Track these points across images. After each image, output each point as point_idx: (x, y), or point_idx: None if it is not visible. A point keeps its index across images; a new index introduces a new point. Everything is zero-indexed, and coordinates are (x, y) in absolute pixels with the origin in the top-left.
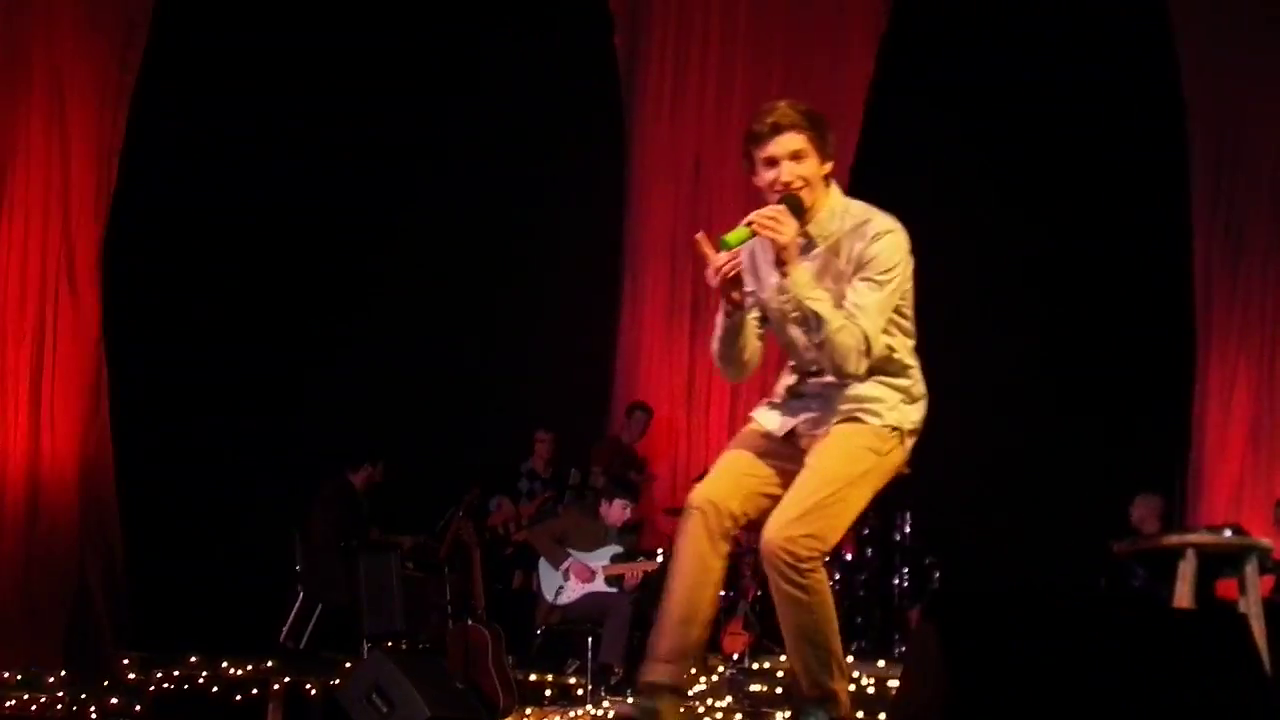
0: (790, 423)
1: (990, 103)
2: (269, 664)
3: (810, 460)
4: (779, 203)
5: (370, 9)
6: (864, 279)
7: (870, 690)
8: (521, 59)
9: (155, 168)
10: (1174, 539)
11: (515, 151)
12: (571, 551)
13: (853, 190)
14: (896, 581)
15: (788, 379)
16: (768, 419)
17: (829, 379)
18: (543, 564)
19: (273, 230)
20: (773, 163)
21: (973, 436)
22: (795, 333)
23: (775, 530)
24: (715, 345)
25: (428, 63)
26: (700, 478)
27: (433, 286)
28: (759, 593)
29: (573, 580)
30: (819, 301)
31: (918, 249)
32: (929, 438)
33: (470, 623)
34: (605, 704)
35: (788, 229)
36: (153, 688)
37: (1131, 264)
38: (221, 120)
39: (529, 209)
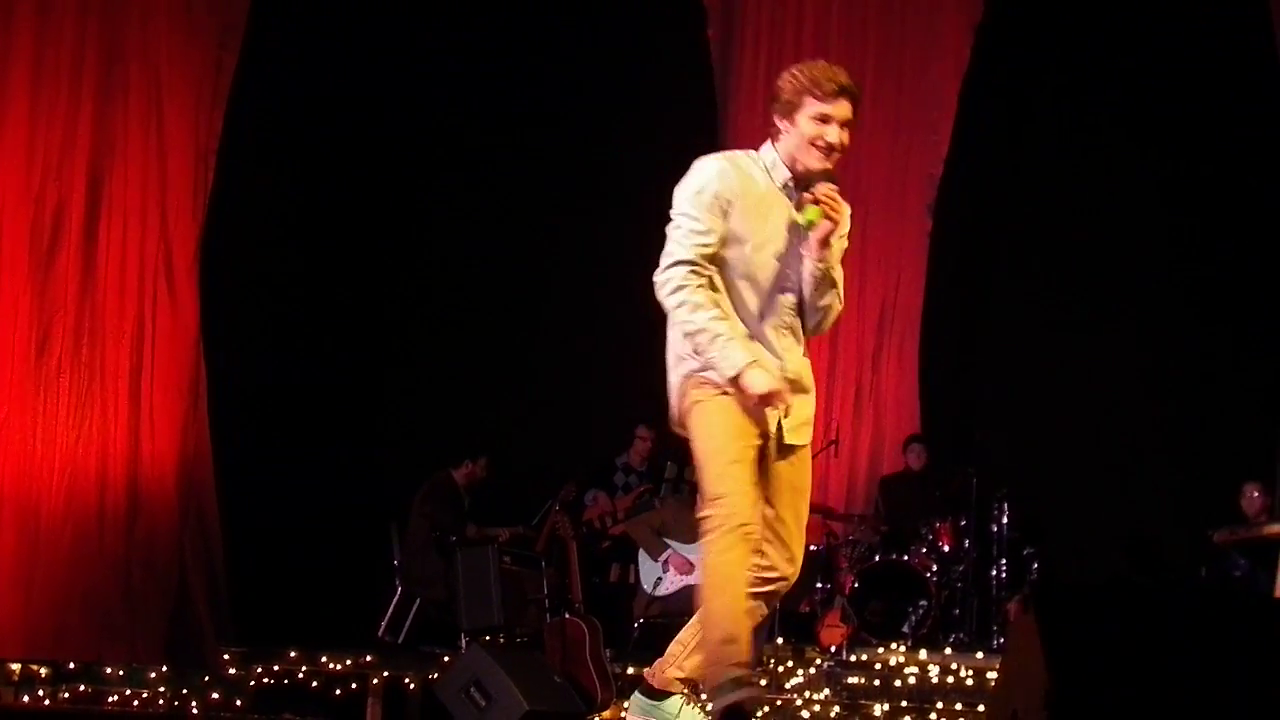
0: (775, 421)
1: (1089, 94)
2: (368, 658)
3: (800, 483)
4: (824, 179)
5: (459, 3)
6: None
7: (969, 682)
8: (615, 52)
9: (253, 168)
10: (1275, 528)
11: (610, 146)
12: (671, 543)
13: (949, 182)
14: (994, 573)
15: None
16: (763, 418)
17: (796, 358)
18: (642, 556)
19: (373, 227)
20: (825, 120)
21: (1071, 426)
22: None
23: (795, 568)
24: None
25: (520, 56)
26: None
27: (532, 283)
28: (856, 584)
29: (671, 572)
30: (839, 269)
31: (1015, 242)
32: (1027, 428)
33: (568, 616)
34: (702, 696)
35: (843, 212)
36: (253, 683)
37: (1233, 251)
38: (318, 121)
39: (624, 204)
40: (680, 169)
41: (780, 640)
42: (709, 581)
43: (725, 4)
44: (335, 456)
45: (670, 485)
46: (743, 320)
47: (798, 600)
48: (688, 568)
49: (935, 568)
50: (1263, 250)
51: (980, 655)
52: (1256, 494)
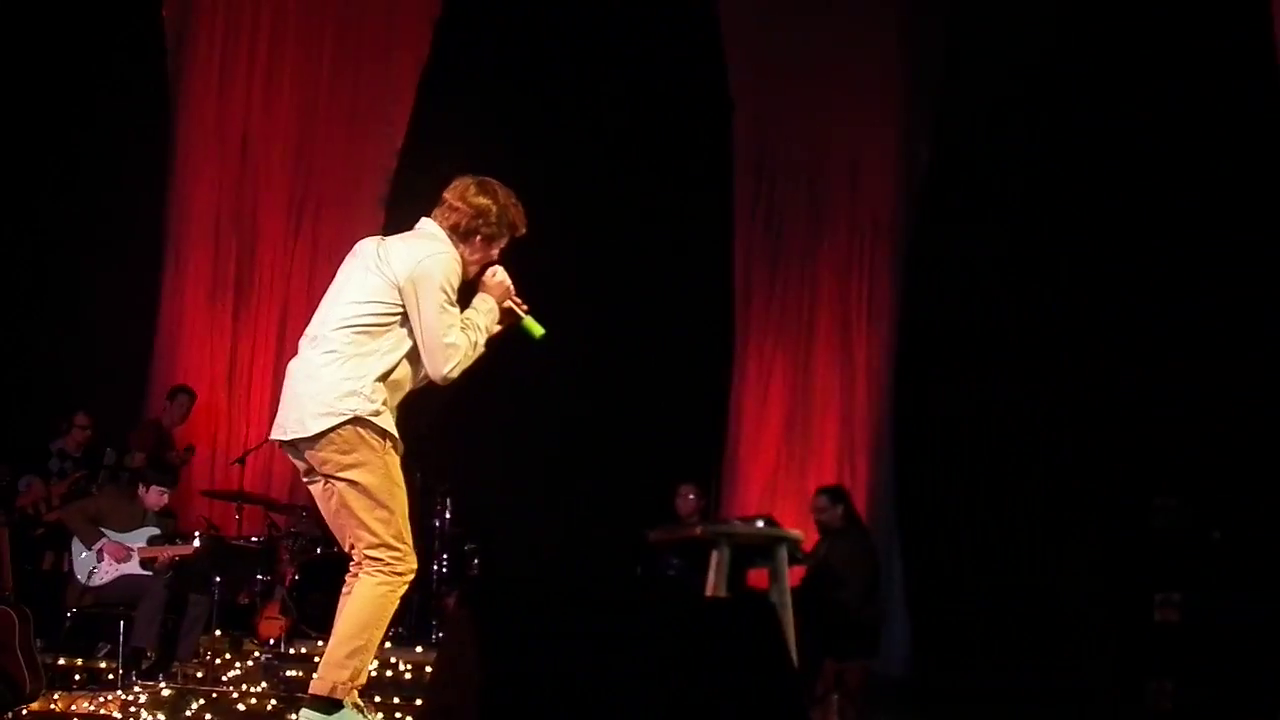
0: None
1: (546, 91)
2: None
3: None
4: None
5: None
6: None
7: (408, 676)
8: (65, 25)
9: None
10: (707, 529)
11: (55, 124)
12: (106, 532)
13: (403, 172)
14: (435, 567)
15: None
16: None
17: None
18: (76, 545)
19: None
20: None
21: (513, 423)
22: None
23: None
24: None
25: None
26: (242, 459)
27: None
28: (296, 577)
29: (107, 561)
30: None
31: None
32: (469, 424)
33: None
34: (136, 688)
35: None
36: None
37: (675, 259)
38: None
39: (68, 184)
40: (127, 150)
41: (218, 632)
42: (376, 617)
43: None
44: None
45: (109, 472)
46: (406, 383)
47: (236, 591)
48: (124, 555)
49: None
50: (711, 260)
51: (419, 650)
52: (691, 495)
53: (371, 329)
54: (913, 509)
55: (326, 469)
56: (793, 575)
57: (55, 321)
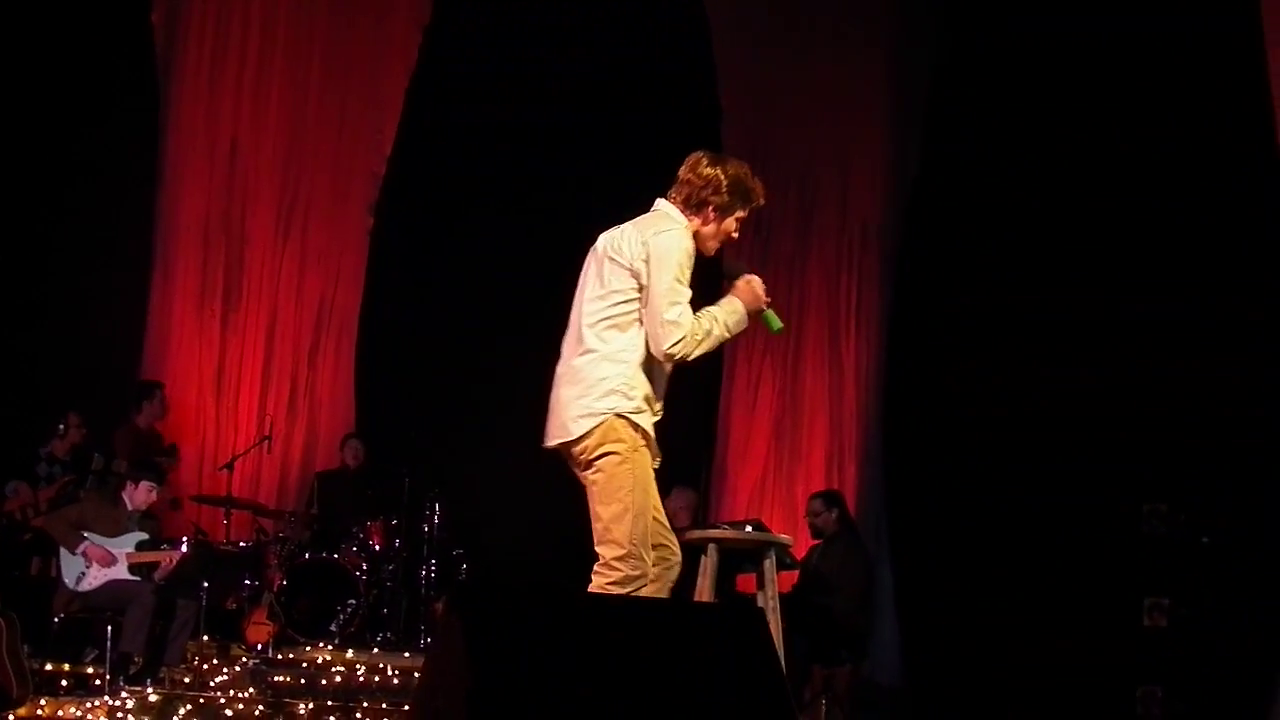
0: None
1: (534, 96)
2: None
3: None
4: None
5: None
6: None
7: (396, 681)
8: (54, 31)
9: None
10: (696, 534)
11: (45, 127)
12: (91, 537)
13: (390, 180)
14: (424, 572)
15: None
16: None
17: None
18: (64, 550)
19: None
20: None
21: (502, 427)
22: None
23: None
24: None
25: None
26: (229, 464)
27: None
28: (284, 582)
29: (94, 567)
30: None
31: (451, 239)
32: (462, 429)
33: None
34: (124, 693)
35: None
36: None
37: None
38: None
39: (57, 188)
40: (116, 154)
41: (206, 637)
42: None
43: None
44: None
45: (96, 477)
46: (664, 371)
47: (224, 597)
48: (110, 560)
49: (365, 566)
50: (699, 266)
51: (407, 655)
52: (683, 502)
53: (619, 321)
54: (902, 514)
55: (580, 460)
56: (783, 580)
57: (43, 327)
